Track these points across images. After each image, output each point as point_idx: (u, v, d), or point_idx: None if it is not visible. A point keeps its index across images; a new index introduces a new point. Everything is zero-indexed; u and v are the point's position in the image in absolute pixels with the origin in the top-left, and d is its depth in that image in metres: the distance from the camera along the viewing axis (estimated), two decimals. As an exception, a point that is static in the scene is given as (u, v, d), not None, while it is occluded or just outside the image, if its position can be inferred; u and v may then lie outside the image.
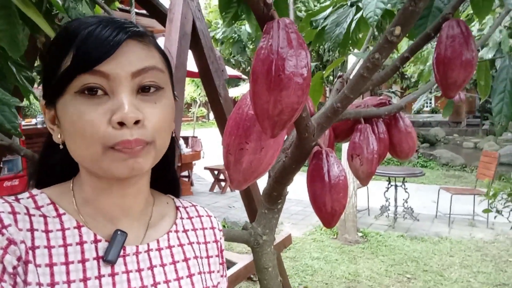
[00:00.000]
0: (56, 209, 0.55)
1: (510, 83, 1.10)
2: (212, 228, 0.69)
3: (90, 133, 0.49)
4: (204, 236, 0.67)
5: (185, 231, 0.65)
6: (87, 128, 0.49)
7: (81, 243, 0.53)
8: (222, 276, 0.68)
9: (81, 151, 0.52)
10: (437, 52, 0.86)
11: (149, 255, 0.58)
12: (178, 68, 2.15)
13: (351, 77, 1.29)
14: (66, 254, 0.52)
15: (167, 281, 0.58)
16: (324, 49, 10.36)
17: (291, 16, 1.11)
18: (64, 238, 0.53)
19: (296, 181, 1.29)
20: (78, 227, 0.54)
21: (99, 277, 0.52)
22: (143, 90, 0.52)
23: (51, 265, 0.50)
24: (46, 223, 0.53)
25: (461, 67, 0.83)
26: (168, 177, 0.68)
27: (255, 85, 0.53)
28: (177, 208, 0.67)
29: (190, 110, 20.13)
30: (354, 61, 1.39)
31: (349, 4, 1.37)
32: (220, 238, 0.69)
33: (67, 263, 0.51)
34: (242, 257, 3.60)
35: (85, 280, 0.51)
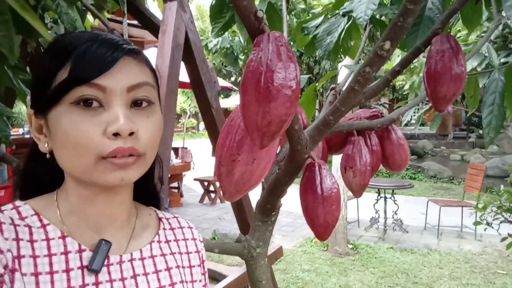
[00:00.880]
0: (40, 220, 0.55)
1: (499, 96, 1.12)
2: (194, 239, 0.71)
3: (84, 143, 0.51)
4: (186, 246, 0.69)
5: (167, 241, 0.67)
6: (82, 138, 0.51)
7: (65, 252, 0.54)
8: (204, 286, 0.71)
9: (73, 161, 0.53)
10: (427, 67, 0.88)
11: (132, 264, 0.59)
12: (171, 79, 2.15)
13: (343, 89, 1.30)
14: (50, 264, 0.53)
15: None
16: (314, 61, 10.47)
17: (284, 28, 1.12)
18: (48, 248, 0.54)
19: (287, 193, 1.28)
20: (63, 237, 0.55)
21: (83, 286, 0.54)
22: (135, 104, 0.55)
23: (36, 274, 0.51)
24: (31, 233, 0.53)
25: (451, 81, 0.85)
26: (150, 190, 0.70)
27: (245, 96, 0.53)
28: (159, 219, 0.69)
29: (180, 120, 20.09)
30: (345, 73, 1.41)
31: (341, 13, 1.40)
32: (202, 248, 0.72)
33: (51, 273, 0.52)
34: (232, 269, 3.56)
35: None
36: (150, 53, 4.68)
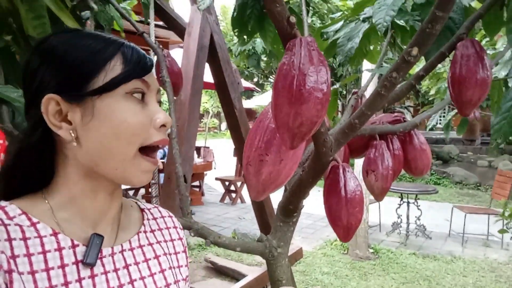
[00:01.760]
0: (29, 219, 0.55)
1: None
2: (175, 227, 0.75)
3: (136, 132, 0.56)
4: (170, 234, 0.73)
5: (152, 231, 0.70)
6: (138, 127, 0.57)
7: (59, 249, 0.55)
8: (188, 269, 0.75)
9: (116, 150, 0.56)
10: (452, 71, 0.88)
11: (123, 255, 0.62)
12: (196, 80, 2.20)
13: (365, 93, 1.31)
14: (45, 261, 0.54)
15: (142, 278, 0.62)
16: (338, 64, 10.40)
17: (305, 30, 1.14)
18: (42, 245, 0.54)
19: (309, 194, 1.30)
20: (54, 234, 0.56)
21: (79, 280, 0.55)
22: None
23: (33, 273, 0.52)
24: (23, 231, 0.54)
25: (476, 86, 0.85)
26: None
27: (277, 98, 0.55)
28: (142, 210, 0.72)
29: (202, 120, 20.31)
30: (368, 77, 1.41)
31: (361, 19, 1.40)
32: (183, 236, 0.75)
33: (47, 270, 0.53)
34: (252, 269, 3.59)
35: (66, 284, 0.54)
36: (175, 54, 4.76)
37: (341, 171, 0.77)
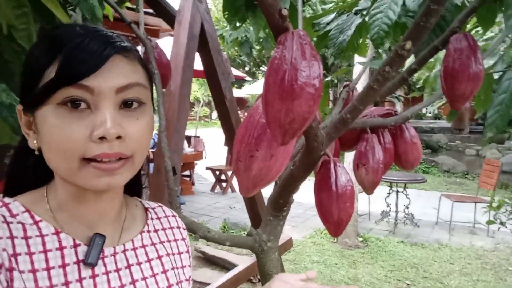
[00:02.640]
0: (32, 217, 0.55)
1: (510, 96, 1.10)
2: (178, 227, 0.73)
3: (68, 147, 0.50)
4: (173, 234, 0.71)
5: (155, 230, 0.68)
6: (66, 142, 0.50)
7: (60, 248, 0.54)
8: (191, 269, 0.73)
9: (58, 163, 0.53)
10: (444, 65, 0.87)
11: (125, 255, 0.61)
12: (185, 70, 2.17)
13: (357, 86, 1.30)
14: (47, 260, 0.53)
15: (144, 278, 0.61)
16: (329, 53, 10.36)
17: (299, 22, 1.12)
18: (43, 244, 0.54)
19: (299, 189, 1.29)
20: (56, 233, 0.55)
21: (80, 280, 0.54)
22: (125, 105, 0.53)
23: (33, 271, 0.51)
24: (24, 230, 0.53)
25: (469, 80, 0.84)
26: (136, 181, 0.70)
27: (268, 93, 0.54)
28: (146, 209, 0.70)
29: (193, 109, 20.17)
30: (359, 69, 1.40)
31: (353, 12, 1.38)
32: (186, 236, 0.74)
33: (48, 269, 0.52)
34: (242, 258, 3.61)
35: (67, 283, 0.53)
36: (166, 42, 4.69)
37: (332, 166, 0.77)
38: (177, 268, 0.68)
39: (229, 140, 2.73)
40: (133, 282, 0.60)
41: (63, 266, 0.54)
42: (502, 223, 2.49)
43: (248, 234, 0.98)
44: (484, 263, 4.48)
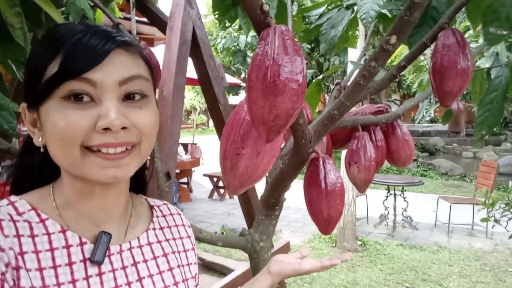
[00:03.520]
0: (38, 215, 0.55)
1: (500, 94, 1.09)
2: (183, 225, 0.73)
3: (71, 134, 0.50)
4: (179, 232, 0.71)
5: (161, 228, 0.68)
6: (68, 130, 0.50)
7: (67, 246, 0.55)
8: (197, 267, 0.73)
9: (61, 155, 0.53)
10: (433, 61, 0.87)
11: (131, 252, 0.61)
12: (178, 75, 2.17)
13: (349, 84, 1.30)
14: (53, 258, 0.53)
15: (150, 275, 0.61)
16: (324, 58, 10.42)
17: (289, 19, 1.12)
18: (50, 242, 0.54)
19: (295, 189, 1.29)
20: (63, 231, 0.55)
21: (87, 277, 0.55)
22: (128, 97, 0.54)
23: (40, 270, 0.51)
24: (31, 228, 0.53)
25: (457, 76, 0.84)
26: (141, 178, 0.71)
27: (251, 90, 0.53)
28: (151, 207, 0.70)
29: (189, 117, 20.15)
30: (352, 68, 1.40)
31: (344, 6, 1.38)
32: (191, 234, 0.74)
33: (55, 267, 0.53)
34: (240, 264, 3.59)
35: (73, 281, 0.53)
36: (160, 50, 4.70)
37: (321, 163, 0.76)
38: (183, 265, 0.67)
39: (224, 145, 2.72)
40: (140, 279, 0.60)
41: (70, 264, 0.54)
42: (496, 221, 2.49)
43: (241, 234, 0.97)
44: (483, 265, 4.46)
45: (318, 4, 1.40)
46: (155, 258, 0.63)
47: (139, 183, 0.70)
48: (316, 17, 1.33)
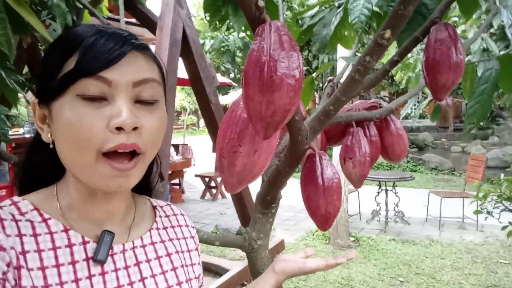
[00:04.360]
0: (41, 215, 0.55)
1: (490, 86, 1.11)
2: (187, 225, 0.73)
3: (87, 137, 0.51)
4: (182, 232, 0.71)
5: (164, 228, 0.68)
6: (85, 132, 0.51)
7: (69, 245, 0.55)
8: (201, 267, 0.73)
9: (74, 155, 0.53)
10: (426, 56, 0.88)
11: (134, 252, 0.61)
12: (169, 75, 2.15)
13: (341, 80, 1.30)
14: (56, 257, 0.53)
15: (153, 275, 0.61)
16: (313, 56, 10.45)
17: (280, 18, 1.12)
18: (52, 241, 0.54)
19: (288, 186, 1.28)
20: (65, 230, 0.55)
21: (90, 277, 0.55)
22: (140, 100, 0.55)
23: (43, 269, 0.51)
24: (33, 227, 0.53)
25: (450, 70, 0.85)
26: (145, 180, 0.70)
27: (248, 87, 0.53)
28: (154, 207, 0.71)
29: (180, 118, 20.06)
30: (343, 65, 1.40)
31: (336, 5, 1.39)
32: (195, 234, 0.74)
33: (57, 266, 0.52)
34: (235, 263, 3.58)
35: (76, 280, 0.53)
36: (149, 50, 4.66)
37: (317, 159, 0.76)
38: (186, 265, 0.67)
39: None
40: (142, 279, 0.59)
41: (73, 263, 0.54)
42: (488, 212, 2.52)
43: (238, 233, 0.97)
44: (474, 257, 4.52)
45: (311, 7, 1.40)
46: (158, 258, 0.63)
47: (144, 185, 0.70)
48: (309, 18, 1.33)
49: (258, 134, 0.54)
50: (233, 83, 9.55)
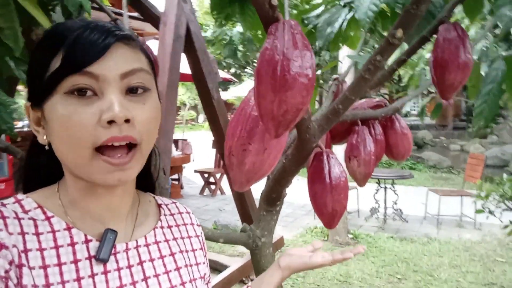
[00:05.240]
0: (44, 213, 0.55)
1: (497, 86, 1.11)
2: (192, 224, 0.72)
3: (80, 135, 0.50)
4: (187, 231, 0.70)
5: (169, 227, 0.67)
6: (77, 130, 0.50)
7: (72, 244, 0.54)
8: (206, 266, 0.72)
9: (69, 153, 0.53)
10: (434, 55, 0.88)
11: (138, 251, 0.60)
12: (172, 71, 2.14)
13: (346, 79, 1.30)
14: (58, 256, 0.53)
15: (156, 275, 0.60)
16: (315, 52, 10.42)
17: (286, 16, 1.12)
18: (55, 240, 0.53)
19: (292, 182, 1.29)
20: (68, 228, 0.55)
21: (92, 275, 0.54)
22: (131, 91, 0.54)
23: (44, 267, 0.51)
24: (36, 226, 0.53)
25: (458, 69, 0.85)
26: (147, 176, 0.70)
27: (260, 85, 0.53)
28: (159, 205, 0.70)
29: (179, 113, 20.05)
30: (346, 64, 1.40)
31: (342, 4, 1.38)
32: (201, 233, 0.73)
33: (59, 264, 0.52)
34: (234, 260, 3.59)
35: (78, 279, 0.53)
36: (150, 45, 4.65)
37: (325, 157, 0.76)
38: (191, 265, 0.66)
39: (218, 142, 2.71)
40: (145, 279, 0.59)
41: (75, 261, 0.53)
42: (490, 212, 2.53)
43: (242, 230, 0.97)
44: (472, 255, 4.54)
45: (316, 6, 1.40)
46: (162, 257, 0.62)
47: (146, 181, 0.69)
48: (314, 18, 1.33)
49: (269, 133, 0.54)
50: (234, 79, 9.54)
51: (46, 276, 0.50)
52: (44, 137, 0.56)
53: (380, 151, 1.09)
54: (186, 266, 0.65)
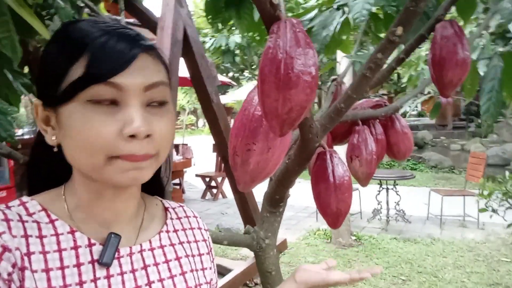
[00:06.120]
0: (48, 215, 0.55)
1: (498, 83, 1.12)
2: (199, 228, 0.71)
3: (98, 144, 0.50)
4: (194, 235, 0.69)
5: (175, 231, 0.66)
6: (95, 139, 0.49)
7: (75, 247, 0.54)
8: (214, 272, 0.71)
9: (82, 159, 0.52)
10: (432, 53, 0.88)
11: (142, 255, 0.59)
12: (171, 75, 2.15)
13: (344, 80, 1.31)
14: (61, 259, 0.52)
15: (161, 280, 0.59)
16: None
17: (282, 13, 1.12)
18: (58, 243, 0.53)
19: (295, 183, 1.29)
20: (72, 232, 0.55)
21: (95, 280, 0.53)
22: (151, 104, 0.54)
23: (47, 270, 0.51)
24: (39, 229, 0.53)
25: (457, 66, 0.85)
26: (155, 180, 0.69)
27: (264, 84, 0.53)
28: (166, 209, 0.69)
29: (179, 118, 20.06)
30: (343, 64, 1.41)
31: (335, 7, 1.39)
32: (208, 237, 0.72)
33: (62, 268, 0.52)
34: (237, 263, 3.58)
35: (81, 283, 0.52)
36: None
37: (328, 157, 0.76)
38: (197, 270, 0.65)
39: (218, 145, 2.71)
40: (149, 283, 0.58)
41: (78, 265, 0.53)
42: (493, 210, 2.53)
43: (245, 232, 0.97)
44: (476, 255, 4.53)
45: (310, 9, 1.41)
46: (167, 261, 0.61)
47: (155, 185, 0.68)
48: (308, 21, 1.34)
49: (273, 132, 0.54)
50: (233, 83, 9.55)
51: (49, 279, 0.50)
52: (53, 138, 0.55)
53: (381, 151, 1.09)
54: (192, 270, 0.64)
